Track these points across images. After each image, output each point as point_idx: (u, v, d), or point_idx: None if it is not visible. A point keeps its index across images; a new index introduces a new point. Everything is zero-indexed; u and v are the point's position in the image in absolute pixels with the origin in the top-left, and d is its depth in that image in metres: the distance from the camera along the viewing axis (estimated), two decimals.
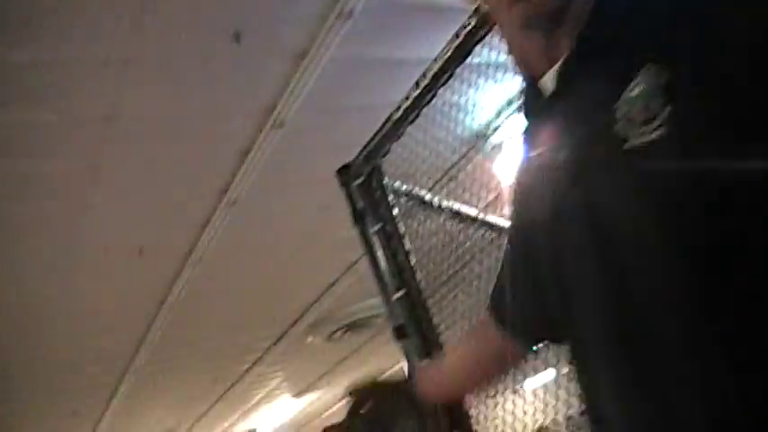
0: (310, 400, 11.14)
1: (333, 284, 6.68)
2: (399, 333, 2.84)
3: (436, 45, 2.74)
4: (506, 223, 2.27)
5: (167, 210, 4.82)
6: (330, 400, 11.80)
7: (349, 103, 4.32)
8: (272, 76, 3.95)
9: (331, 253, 6.16)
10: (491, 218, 3.41)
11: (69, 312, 5.88)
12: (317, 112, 4.27)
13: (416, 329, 2.82)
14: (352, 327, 7.75)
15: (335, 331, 7.78)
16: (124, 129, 3.94)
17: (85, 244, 4.85)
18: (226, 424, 11.18)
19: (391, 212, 2.95)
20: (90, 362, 6.93)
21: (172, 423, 10.17)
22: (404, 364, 2.87)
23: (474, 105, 3.46)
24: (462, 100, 3.26)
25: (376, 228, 2.94)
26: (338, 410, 12.76)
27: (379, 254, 2.93)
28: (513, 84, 3.41)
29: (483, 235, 3.29)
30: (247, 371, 8.65)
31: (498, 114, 4.25)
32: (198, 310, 6.42)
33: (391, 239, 2.93)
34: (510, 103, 4.19)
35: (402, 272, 2.89)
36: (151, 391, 8.29)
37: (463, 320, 2.93)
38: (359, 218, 3.00)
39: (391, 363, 9.93)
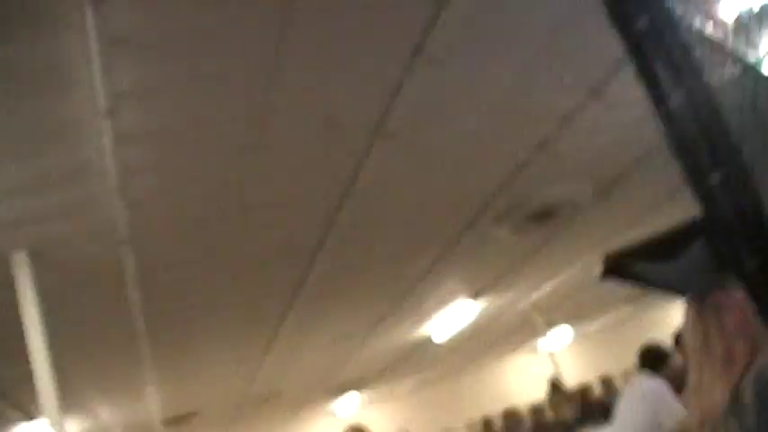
0: (487, 303, 10.76)
1: (524, 165, 6.17)
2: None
3: None
4: None
5: (356, 75, 4.40)
6: (506, 304, 11.39)
7: None
8: None
9: (525, 127, 5.67)
10: None
11: (254, 204, 5.62)
12: None
13: (742, 226, 1.53)
14: (543, 216, 7.23)
15: (523, 221, 7.29)
16: None
17: (276, 111, 4.50)
18: (401, 330, 10.98)
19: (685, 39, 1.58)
20: (274, 256, 6.72)
21: (350, 327, 10.03)
22: None
23: None
24: None
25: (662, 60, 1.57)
26: (515, 316, 12.36)
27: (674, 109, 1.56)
28: None
29: None
30: (429, 269, 8.32)
31: None
32: (384, 197, 6.08)
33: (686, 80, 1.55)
34: None
35: (715, 139, 1.54)
36: (333, 291, 8.10)
37: None
38: (635, 43, 1.62)
39: (583, 260, 9.33)
